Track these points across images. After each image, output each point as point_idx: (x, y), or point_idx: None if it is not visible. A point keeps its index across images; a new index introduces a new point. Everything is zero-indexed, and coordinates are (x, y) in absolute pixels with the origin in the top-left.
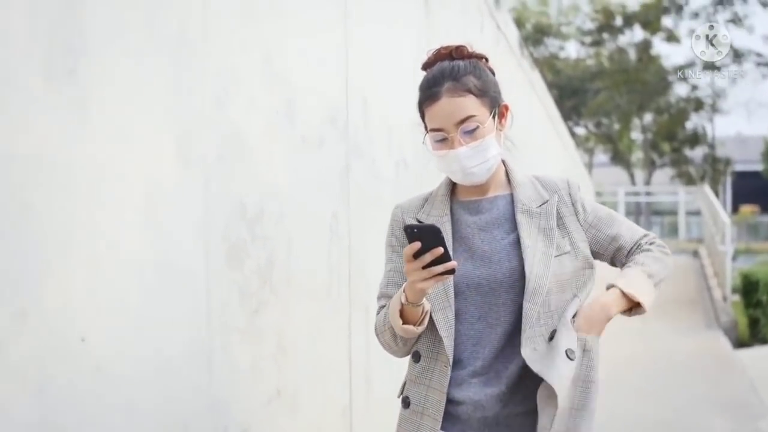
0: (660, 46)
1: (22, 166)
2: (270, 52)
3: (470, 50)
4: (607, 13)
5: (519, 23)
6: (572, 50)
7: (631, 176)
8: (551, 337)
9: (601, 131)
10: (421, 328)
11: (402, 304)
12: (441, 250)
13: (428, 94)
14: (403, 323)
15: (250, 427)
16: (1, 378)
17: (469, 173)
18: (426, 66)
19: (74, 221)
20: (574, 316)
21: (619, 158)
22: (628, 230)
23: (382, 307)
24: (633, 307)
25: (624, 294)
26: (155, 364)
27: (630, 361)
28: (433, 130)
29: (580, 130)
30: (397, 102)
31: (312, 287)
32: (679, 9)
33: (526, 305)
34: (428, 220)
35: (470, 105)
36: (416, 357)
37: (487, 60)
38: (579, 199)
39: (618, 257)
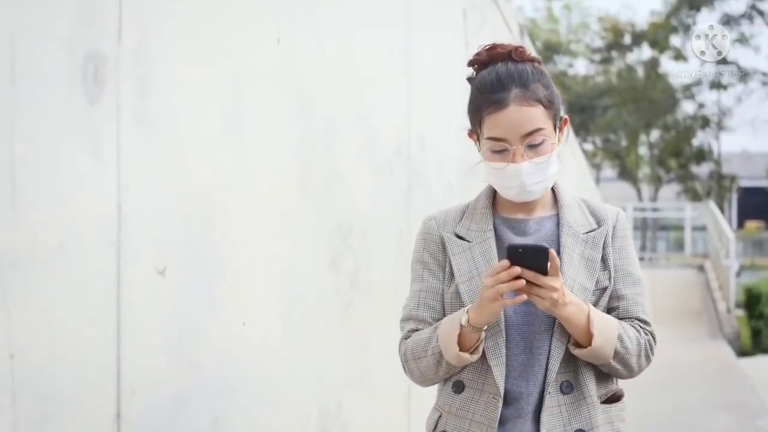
0: (667, 65)
1: (207, 193)
2: (357, 101)
3: (529, 53)
4: (616, 32)
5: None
6: (581, 67)
7: (638, 191)
8: (563, 388)
9: (609, 147)
10: (476, 356)
11: (462, 327)
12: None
13: (493, 99)
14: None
15: (342, 403)
16: (198, 350)
17: (527, 191)
18: (478, 64)
19: (235, 235)
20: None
21: (627, 174)
22: (635, 303)
23: (413, 331)
24: (578, 343)
25: (588, 320)
26: (284, 345)
27: None
28: (493, 139)
29: (588, 146)
30: (444, 134)
31: (384, 290)
32: (687, 28)
33: (553, 342)
34: (469, 234)
35: (539, 116)
36: (458, 387)
37: (540, 63)
38: (625, 237)
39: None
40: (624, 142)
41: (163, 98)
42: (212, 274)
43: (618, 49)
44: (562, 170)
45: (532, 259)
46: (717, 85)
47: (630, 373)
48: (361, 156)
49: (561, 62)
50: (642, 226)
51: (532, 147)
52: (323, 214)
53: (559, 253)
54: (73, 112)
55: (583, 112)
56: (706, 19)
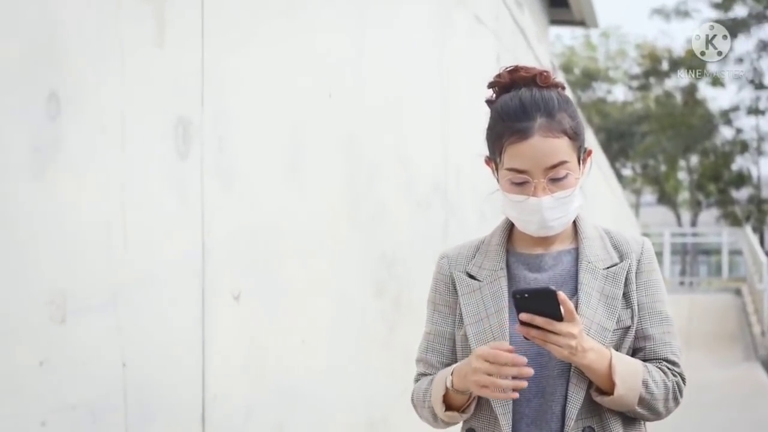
0: (705, 90)
1: (272, 231)
2: (399, 145)
3: (554, 78)
4: (654, 58)
5: (567, 68)
6: (619, 94)
7: (678, 217)
8: None
9: (648, 173)
10: (466, 416)
11: (447, 389)
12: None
13: (516, 128)
14: (446, 409)
15: (387, 416)
16: (265, 363)
17: (547, 226)
18: (499, 86)
19: (296, 266)
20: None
21: (666, 199)
22: (663, 343)
23: (422, 374)
24: (600, 389)
25: (611, 368)
26: (336, 362)
27: None
28: (514, 170)
29: (627, 172)
30: (478, 167)
31: (424, 313)
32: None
33: (571, 387)
34: (480, 273)
35: (564, 149)
36: None
37: (565, 89)
38: (652, 271)
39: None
40: (663, 168)
41: (236, 153)
42: (277, 299)
43: (656, 75)
44: (584, 204)
45: (543, 304)
46: (754, 110)
47: (657, 417)
48: (403, 193)
49: (599, 89)
50: (682, 251)
51: (555, 180)
52: (369, 246)
53: (576, 290)
54: (167, 167)
55: (622, 138)
56: (743, 45)
